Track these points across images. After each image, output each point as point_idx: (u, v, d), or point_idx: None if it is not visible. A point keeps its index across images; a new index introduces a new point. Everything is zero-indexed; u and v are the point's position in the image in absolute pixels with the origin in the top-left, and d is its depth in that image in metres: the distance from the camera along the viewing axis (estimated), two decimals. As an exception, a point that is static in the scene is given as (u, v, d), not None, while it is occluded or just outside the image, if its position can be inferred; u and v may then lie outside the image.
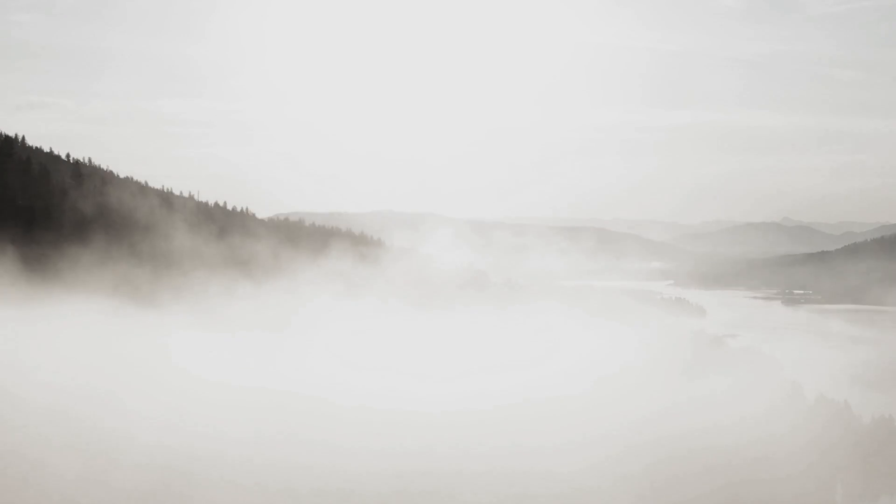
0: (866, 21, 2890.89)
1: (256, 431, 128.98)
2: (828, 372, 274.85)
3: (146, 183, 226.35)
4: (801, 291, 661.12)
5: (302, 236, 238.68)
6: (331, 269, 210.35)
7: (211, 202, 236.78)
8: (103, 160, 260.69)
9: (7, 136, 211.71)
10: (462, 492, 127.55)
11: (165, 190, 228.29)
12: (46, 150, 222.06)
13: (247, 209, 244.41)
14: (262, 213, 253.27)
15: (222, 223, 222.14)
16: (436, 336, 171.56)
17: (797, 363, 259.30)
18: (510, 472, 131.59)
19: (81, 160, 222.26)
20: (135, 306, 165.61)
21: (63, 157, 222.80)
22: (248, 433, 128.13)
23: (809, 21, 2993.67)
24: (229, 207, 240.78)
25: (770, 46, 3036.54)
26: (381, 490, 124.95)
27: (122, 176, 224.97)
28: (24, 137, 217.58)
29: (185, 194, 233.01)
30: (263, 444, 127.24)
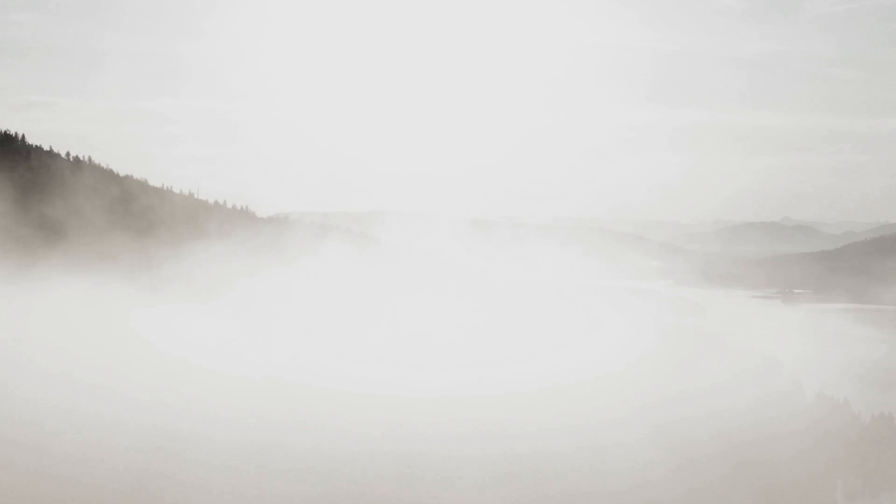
0: (866, 21, 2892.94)
1: (250, 415, 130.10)
2: (827, 370, 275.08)
3: (145, 180, 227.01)
4: (801, 291, 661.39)
5: (298, 231, 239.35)
6: (327, 262, 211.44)
7: (210, 200, 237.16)
8: (102, 158, 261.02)
9: (7, 134, 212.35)
10: (456, 475, 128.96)
11: (165, 188, 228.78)
12: (46, 148, 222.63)
13: (246, 207, 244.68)
14: (262, 211, 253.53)
15: (220, 219, 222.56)
16: (433, 326, 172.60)
17: (797, 362, 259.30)
18: (508, 455, 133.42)
19: (81, 157, 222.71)
20: (124, 291, 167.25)
21: (63, 154, 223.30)
22: (240, 416, 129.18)
23: (809, 21, 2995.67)
24: (229, 206, 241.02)
25: (770, 46, 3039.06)
26: (378, 471, 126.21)
27: (121, 174, 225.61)
28: (23, 136, 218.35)
29: (185, 192, 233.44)
30: (257, 428, 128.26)
